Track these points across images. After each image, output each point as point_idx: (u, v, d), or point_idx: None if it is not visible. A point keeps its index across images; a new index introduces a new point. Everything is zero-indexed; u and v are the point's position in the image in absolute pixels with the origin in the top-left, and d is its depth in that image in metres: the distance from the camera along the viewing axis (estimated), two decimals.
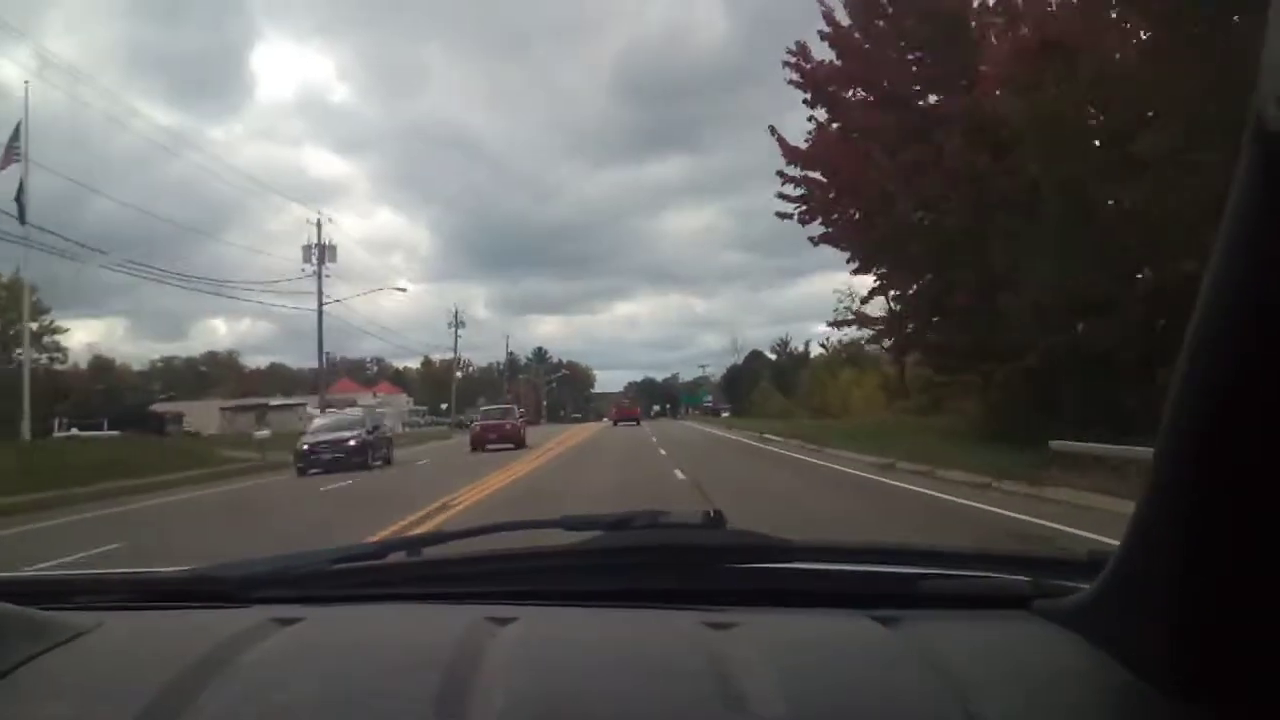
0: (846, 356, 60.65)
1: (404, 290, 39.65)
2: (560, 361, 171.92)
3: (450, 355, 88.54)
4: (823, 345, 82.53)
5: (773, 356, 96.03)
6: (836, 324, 38.55)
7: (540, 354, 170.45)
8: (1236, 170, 0.55)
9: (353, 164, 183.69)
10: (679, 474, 18.65)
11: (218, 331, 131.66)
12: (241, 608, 1.32)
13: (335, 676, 1.01)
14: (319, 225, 48.59)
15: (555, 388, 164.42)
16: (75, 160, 66.70)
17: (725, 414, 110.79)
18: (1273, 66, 0.50)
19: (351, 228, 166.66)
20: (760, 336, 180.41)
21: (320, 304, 47.75)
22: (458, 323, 75.27)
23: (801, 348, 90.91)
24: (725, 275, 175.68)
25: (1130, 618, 0.82)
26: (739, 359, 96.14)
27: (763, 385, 79.14)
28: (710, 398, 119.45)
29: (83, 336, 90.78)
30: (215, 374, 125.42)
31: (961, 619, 1.17)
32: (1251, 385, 0.55)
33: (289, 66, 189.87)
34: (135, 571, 1.72)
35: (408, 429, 79.00)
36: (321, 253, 47.90)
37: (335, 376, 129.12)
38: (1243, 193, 0.55)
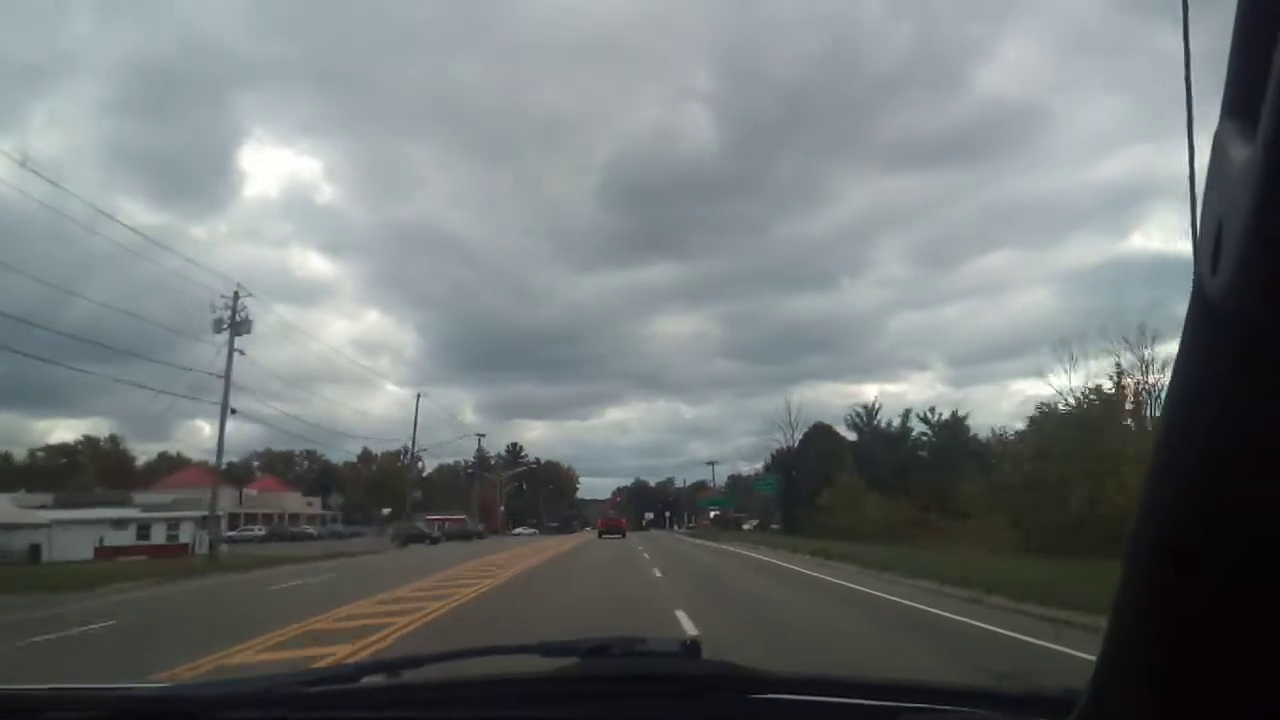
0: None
1: None
2: (535, 460, 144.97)
3: (395, 446, 56.25)
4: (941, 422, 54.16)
5: (851, 435, 60.18)
6: None
7: (515, 451, 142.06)
8: (1184, 326, 0.60)
9: (340, 266, 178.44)
10: None
11: (203, 432, 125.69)
12: None
13: None
14: None
15: (524, 489, 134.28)
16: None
17: (747, 526, 79.06)
18: (1205, 239, 0.56)
19: (340, 330, 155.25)
20: (748, 445, 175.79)
21: None
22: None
23: (898, 421, 57.78)
24: (714, 382, 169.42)
25: None
26: (791, 439, 60.31)
27: (844, 480, 45.94)
28: (719, 506, 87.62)
29: (62, 435, 79.45)
30: (89, 464, 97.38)
31: None
32: (1202, 529, 0.57)
33: (275, 168, 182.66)
34: (108, 688, 1.65)
35: (229, 544, 47.34)
36: None
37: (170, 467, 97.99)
38: (1186, 356, 0.59)
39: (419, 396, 55.54)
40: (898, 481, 45.83)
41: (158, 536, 42.40)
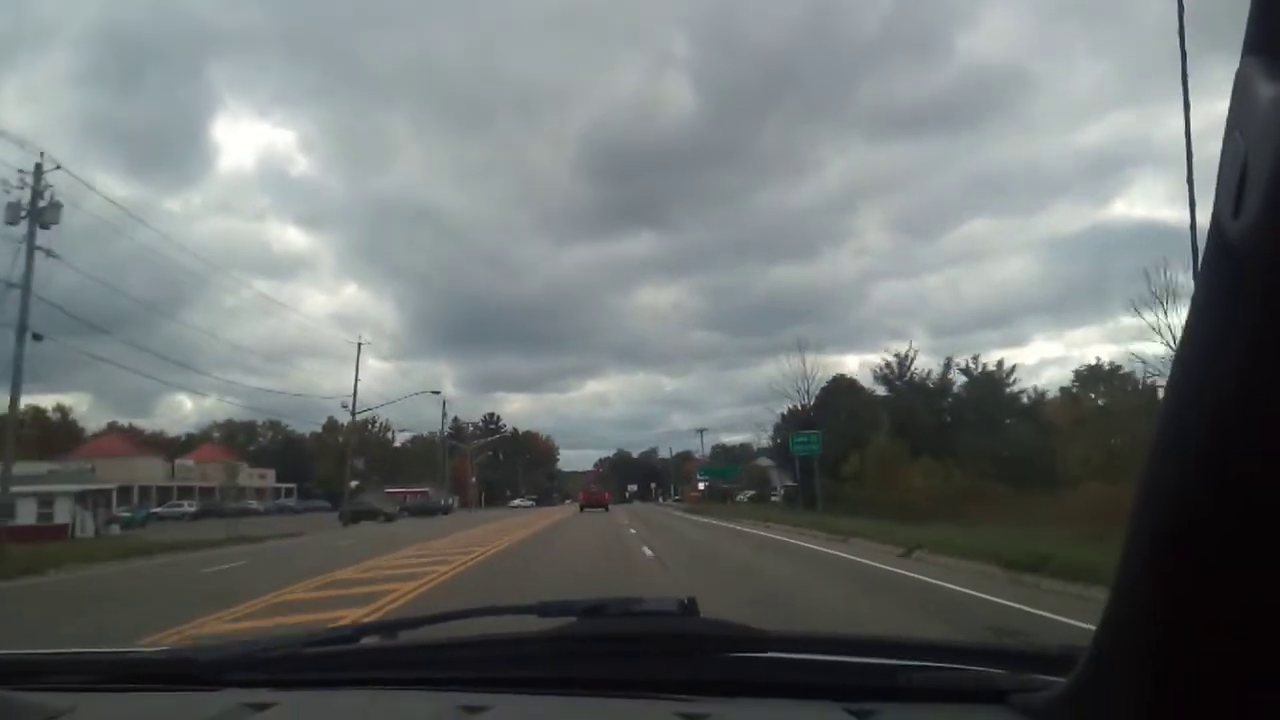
0: None
1: None
2: (511, 429, 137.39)
3: (363, 414, 47.22)
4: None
5: (880, 390, 49.80)
6: None
7: (492, 421, 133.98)
8: (1199, 276, 0.59)
9: (317, 239, 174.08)
10: None
11: (184, 407, 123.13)
12: (213, 690, 1.33)
13: None
14: None
15: (500, 459, 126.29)
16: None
17: (742, 499, 71.49)
18: (1226, 182, 0.53)
19: (319, 303, 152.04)
20: (730, 416, 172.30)
21: None
22: None
23: (937, 368, 47.53)
24: (694, 354, 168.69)
25: (1105, 714, 0.78)
26: (806, 396, 49.55)
27: (880, 443, 37.64)
28: (720, 477, 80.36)
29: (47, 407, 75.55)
30: (31, 435, 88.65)
31: (938, 713, 1.17)
32: (1213, 484, 0.56)
33: (250, 140, 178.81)
34: (109, 651, 1.70)
35: (124, 526, 38.84)
36: None
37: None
38: (1204, 295, 0.58)
39: (360, 345, 46.74)
40: (939, 444, 37.97)
41: (26, 515, 33.85)
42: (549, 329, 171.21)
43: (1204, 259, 0.58)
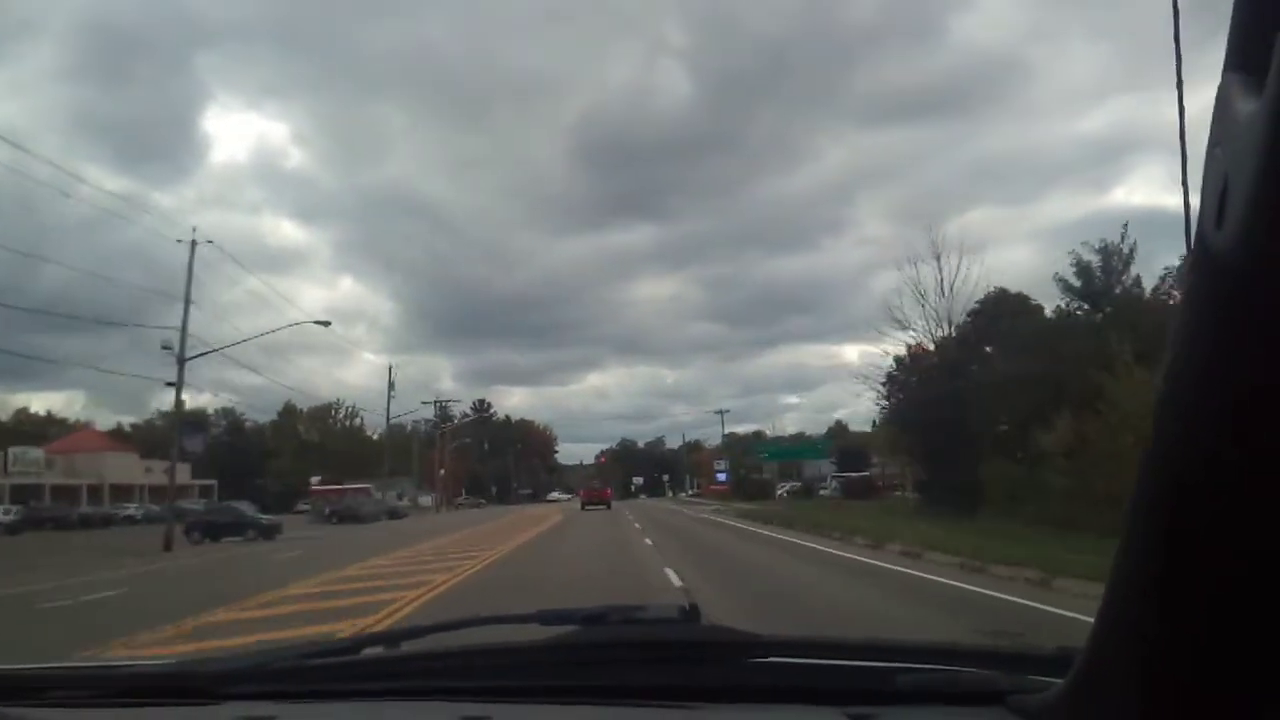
0: None
1: None
2: (504, 417, 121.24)
3: (199, 356, 28.85)
4: None
5: (1079, 307, 29.26)
6: None
7: (482, 408, 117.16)
8: (1183, 289, 0.61)
9: (312, 233, 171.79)
10: None
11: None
12: (215, 704, 1.34)
13: None
14: None
15: (486, 449, 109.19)
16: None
17: (782, 492, 54.93)
18: (1209, 193, 0.55)
19: (315, 297, 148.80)
20: (735, 408, 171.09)
21: None
22: None
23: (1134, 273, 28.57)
24: (695, 346, 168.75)
25: (1101, 715, 0.79)
26: (950, 321, 29.36)
27: (1126, 385, 19.54)
28: (806, 459, 64.00)
29: (39, 408, 76.35)
30: None
31: (936, 715, 1.20)
32: (1200, 485, 0.57)
33: (242, 133, 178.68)
34: (109, 665, 1.72)
35: None
36: None
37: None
38: (1189, 309, 0.59)
39: (193, 245, 28.31)
40: None
41: None
42: (547, 322, 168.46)
43: (1191, 265, 0.59)
